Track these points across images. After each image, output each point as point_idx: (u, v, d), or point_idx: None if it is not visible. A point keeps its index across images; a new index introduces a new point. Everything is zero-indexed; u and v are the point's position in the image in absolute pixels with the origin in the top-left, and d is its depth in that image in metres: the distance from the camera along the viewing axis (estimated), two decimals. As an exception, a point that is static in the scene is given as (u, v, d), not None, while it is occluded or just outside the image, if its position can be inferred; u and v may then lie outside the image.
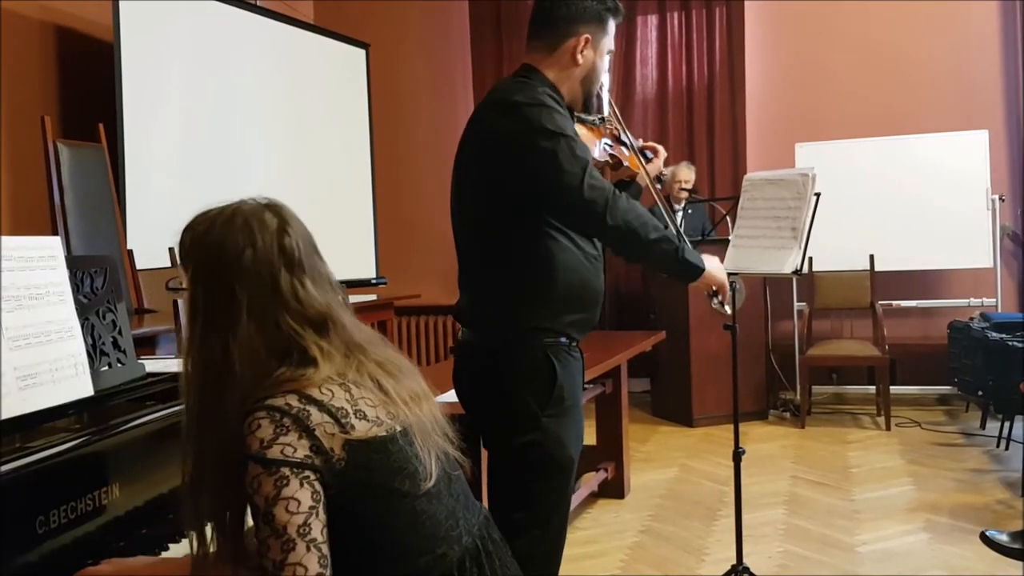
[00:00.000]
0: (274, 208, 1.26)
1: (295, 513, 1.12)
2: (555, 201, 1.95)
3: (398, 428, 1.23)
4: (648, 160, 2.41)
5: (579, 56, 2.08)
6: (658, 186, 2.40)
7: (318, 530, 1.13)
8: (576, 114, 2.19)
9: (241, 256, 1.19)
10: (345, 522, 1.18)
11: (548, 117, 1.94)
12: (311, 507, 1.13)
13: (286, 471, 1.13)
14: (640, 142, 2.43)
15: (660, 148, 2.44)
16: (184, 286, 1.24)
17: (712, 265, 2.11)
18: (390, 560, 1.22)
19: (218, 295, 1.18)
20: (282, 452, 1.13)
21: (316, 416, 1.16)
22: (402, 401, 1.26)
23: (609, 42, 2.14)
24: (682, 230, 5.86)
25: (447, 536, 1.27)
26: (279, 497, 1.12)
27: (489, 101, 2.07)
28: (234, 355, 1.17)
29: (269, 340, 1.20)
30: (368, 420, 1.20)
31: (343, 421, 1.17)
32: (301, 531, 1.12)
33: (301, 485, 1.13)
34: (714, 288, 2.18)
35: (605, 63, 2.16)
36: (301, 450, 1.14)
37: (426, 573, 1.24)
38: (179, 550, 1.43)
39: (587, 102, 2.17)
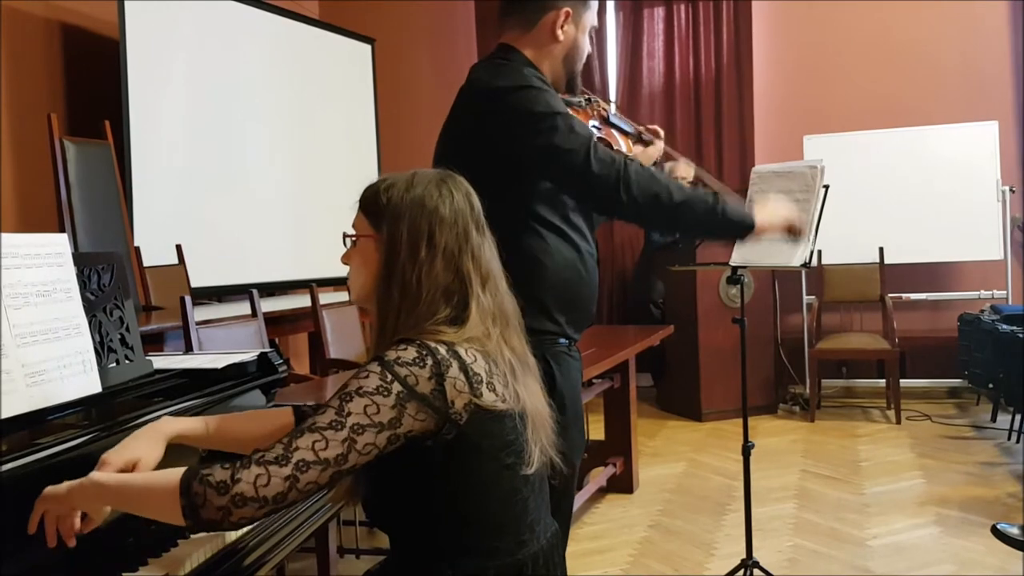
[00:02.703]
0: (456, 177, 1.42)
1: (366, 415, 1.20)
2: (565, 184, 1.86)
3: (517, 410, 1.32)
4: (647, 143, 2.30)
5: (559, 32, 1.95)
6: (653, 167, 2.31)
7: (365, 442, 1.20)
8: (560, 96, 2.04)
9: (440, 207, 1.35)
10: (448, 478, 1.26)
11: (537, 99, 1.83)
12: (380, 423, 1.20)
13: (395, 388, 1.22)
14: (635, 125, 2.31)
15: (659, 131, 2.32)
16: (360, 233, 1.38)
17: (764, 216, 1.91)
18: (478, 529, 1.29)
19: (420, 236, 1.33)
20: (406, 377, 1.23)
21: (454, 371, 1.26)
22: (525, 391, 1.35)
23: (592, 17, 2.01)
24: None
25: (531, 526, 1.35)
26: (371, 395, 1.21)
27: (470, 91, 1.94)
28: (424, 284, 1.31)
29: (448, 280, 1.33)
30: (496, 394, 1.30)
31: (475, 385, 1.27)
32: (355, 428, 1.19)
33: (394, 406, 1.21)
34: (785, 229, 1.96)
35: (587, 40, 2.02)
36: (423, 386, 1.23)
37: (505, 554, 1.30)
38: (185, 547, 1.43)
39: (571, 82, 2.04)
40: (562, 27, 1.95)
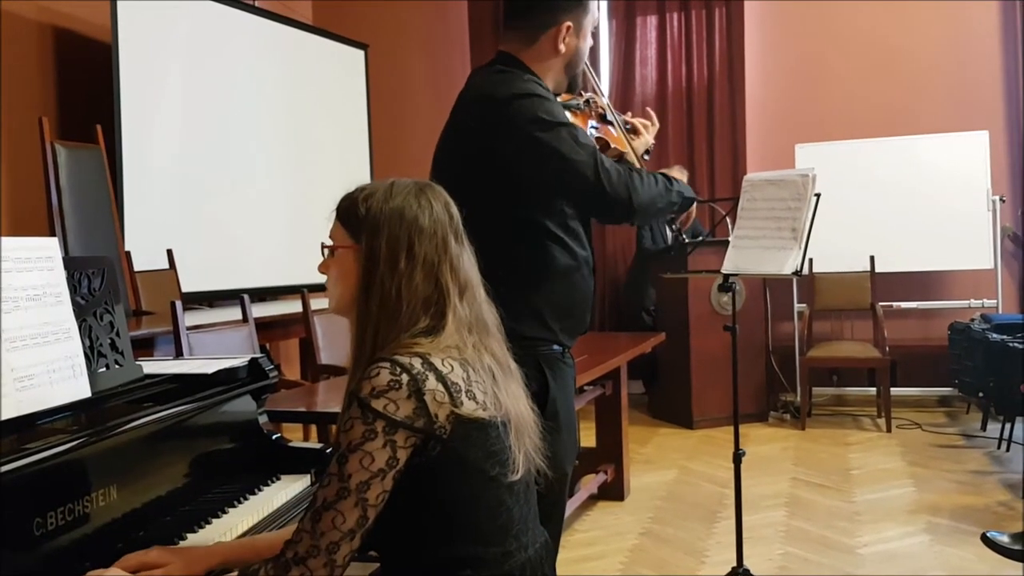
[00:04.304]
0: (435, 187, 1.41)
1: (365, 469, 1.21)
2: (572, 193, 1.86)
3: (499, 418, 1.32)
4: (638, 133, 2.31)
5: (561, 45, 1.96)
6: (646, 157, 2.32)
7: (375, 493, 1.22)
8: (560, 101, 2.06)
9: (419, 217, 1.34)
10: (432, 492, 1.26)
11: (541, 107, 1.84)
12: (380, 470, 1.22)
13: (379, 426, 1.22)
14: (627, 116, 2.33)
15: (648, 122, 2.32)
16: (338, 244, 1.38)
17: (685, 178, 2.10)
18: (464, 540, 1.29)
19: (399, 248, 1.32)
20: (384, 407, 1.22)
21: (431, 383, 1.25)
22: (507, 396, 1.35)
23: (592, 18, 2.02)
24: (675, 234, 5.84)
25: (518, 536, 1.34)
26: (360, 447, 1.22)
27: (471, 99, 1.95)
28: (404, 296, 1.31)
29: (427, 291, 1.33)
30: (476, 402, 1.29)
31: (455, 395, 1.26)
32: (360, 487, 1.21)
33: (384, 445, 1.22)
34: None
35: (589, 41, 2.03)
36: (404, 410, 1.23)
37: (493, 565, 1.30)
38: (193, 540, 1.42)
39: (572, 83, 2.07)
40: (564, 40, 1.96)
